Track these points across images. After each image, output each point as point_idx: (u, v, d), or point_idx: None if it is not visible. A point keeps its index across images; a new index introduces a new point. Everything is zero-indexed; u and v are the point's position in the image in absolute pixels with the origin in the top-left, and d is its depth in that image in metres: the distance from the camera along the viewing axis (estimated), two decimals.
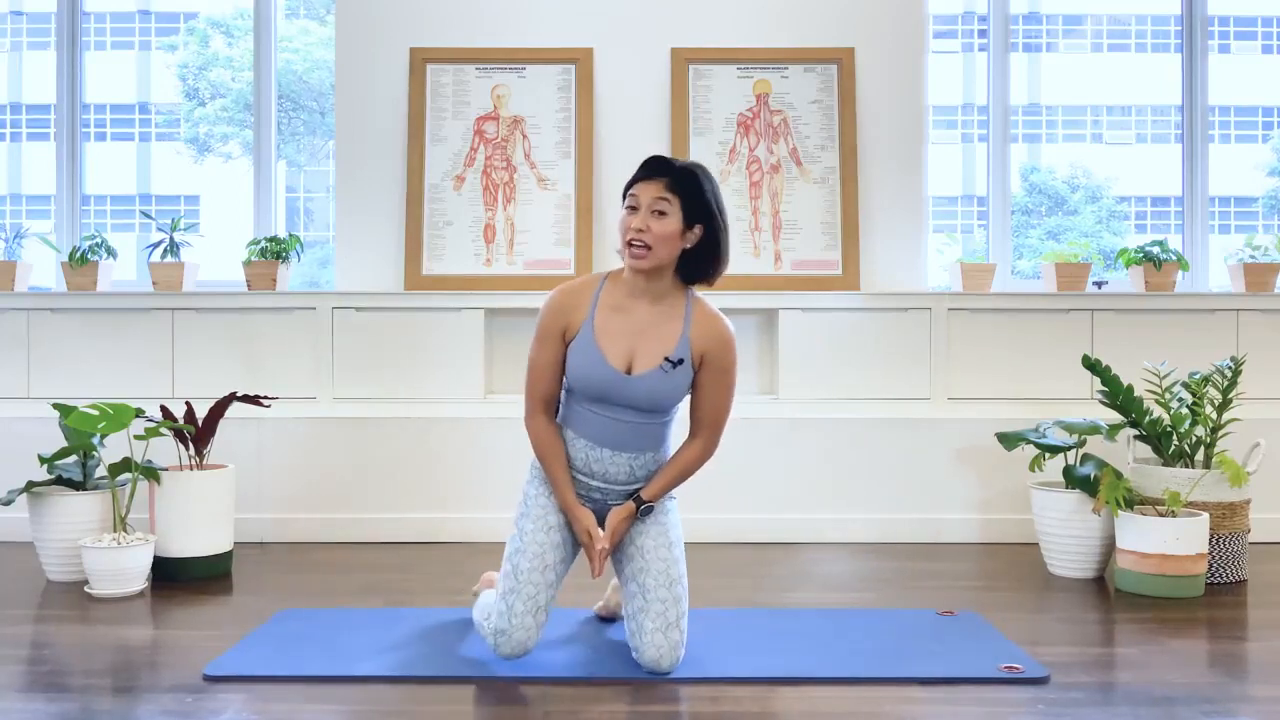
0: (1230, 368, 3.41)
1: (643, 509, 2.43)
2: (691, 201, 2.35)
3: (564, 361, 2.43)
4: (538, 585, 2.37)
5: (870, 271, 4.20)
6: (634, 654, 2.39)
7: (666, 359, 2.37)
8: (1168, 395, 3.41)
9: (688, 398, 2.48)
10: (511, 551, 2.42)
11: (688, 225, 2.36)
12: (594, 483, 2.46)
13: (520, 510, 2.48)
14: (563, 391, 2.49)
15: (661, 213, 2.33)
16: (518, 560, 2.39)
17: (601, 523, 2.46)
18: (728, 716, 2.18)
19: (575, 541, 2.47)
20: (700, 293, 2.52)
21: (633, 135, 4.22)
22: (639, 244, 2.33)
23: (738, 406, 3.95)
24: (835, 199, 4.17)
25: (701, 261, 2.43)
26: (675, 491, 2.55)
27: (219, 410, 3.43)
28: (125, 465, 3.29)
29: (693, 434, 2.48)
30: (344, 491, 3.90)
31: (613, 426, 2.41)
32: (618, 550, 2.46)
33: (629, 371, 2.38)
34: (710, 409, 2.45)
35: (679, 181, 2.35)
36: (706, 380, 2.43)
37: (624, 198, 2.38)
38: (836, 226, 4.16)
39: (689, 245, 2.39)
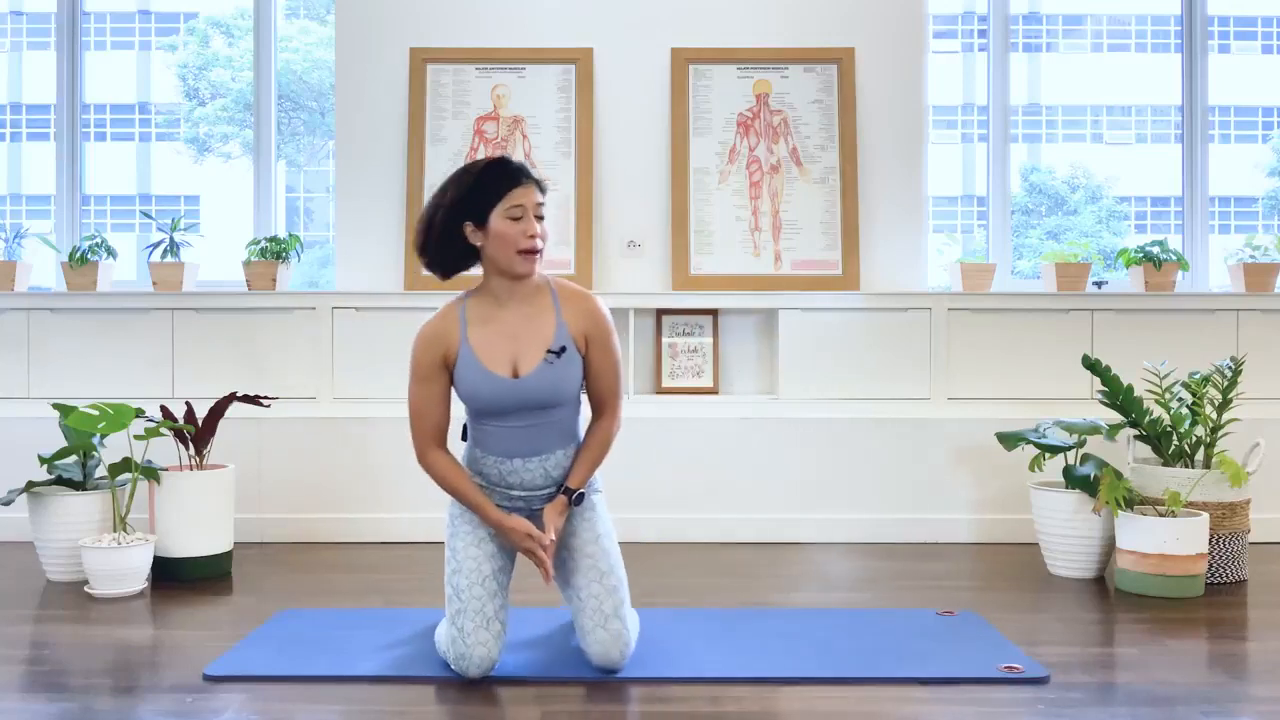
0: (1230, 368, 3.41)
1: (575, 498, 2.43)
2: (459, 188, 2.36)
3: (448, 393, 2.44)
4: (481, 599, 2.35)
5: (870, 271, 4.20)
6: (587, 659, 2.39)
7: (549, 351, 2.38)
8: (1168, 395, 3.41)
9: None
10: (450, 574, 2.41)
11: (473, 224, 2.37)
12: (513, 492, 2.47)
13: (449, 533, 2.48)
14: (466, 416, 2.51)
15: (542, 217, 2.36)
16: (456, 580, 2.39)
17: (539, 527, 2.46)
18: (728, 717, 2.18)
19: (509, 550, 2.48)
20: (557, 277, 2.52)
21: (633, 135, 4.22)
22: (535, 250, 2.34)
23: (738, 406, 3.99)
24: (835, 199, 4.17)
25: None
26: (603, 484, 2.58)
27: (219, 410, 3.43)
28: (125, 465, 3.29)
29: (596, 414, 2.49)
30: (344, 491, 3.90)
31: (517, 435, 2.42)
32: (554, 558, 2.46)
33: (516, 375, 2.39)
34: (604, 383, 2.46)
35: (539, 183, 2.39)
36: (594, 357, 2.44)
37: (489, 203, 2.32)
38: (836, 226, 4.16)
39: (494, 235, 2.38)
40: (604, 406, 2.48)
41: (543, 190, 2.39)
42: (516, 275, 2.38)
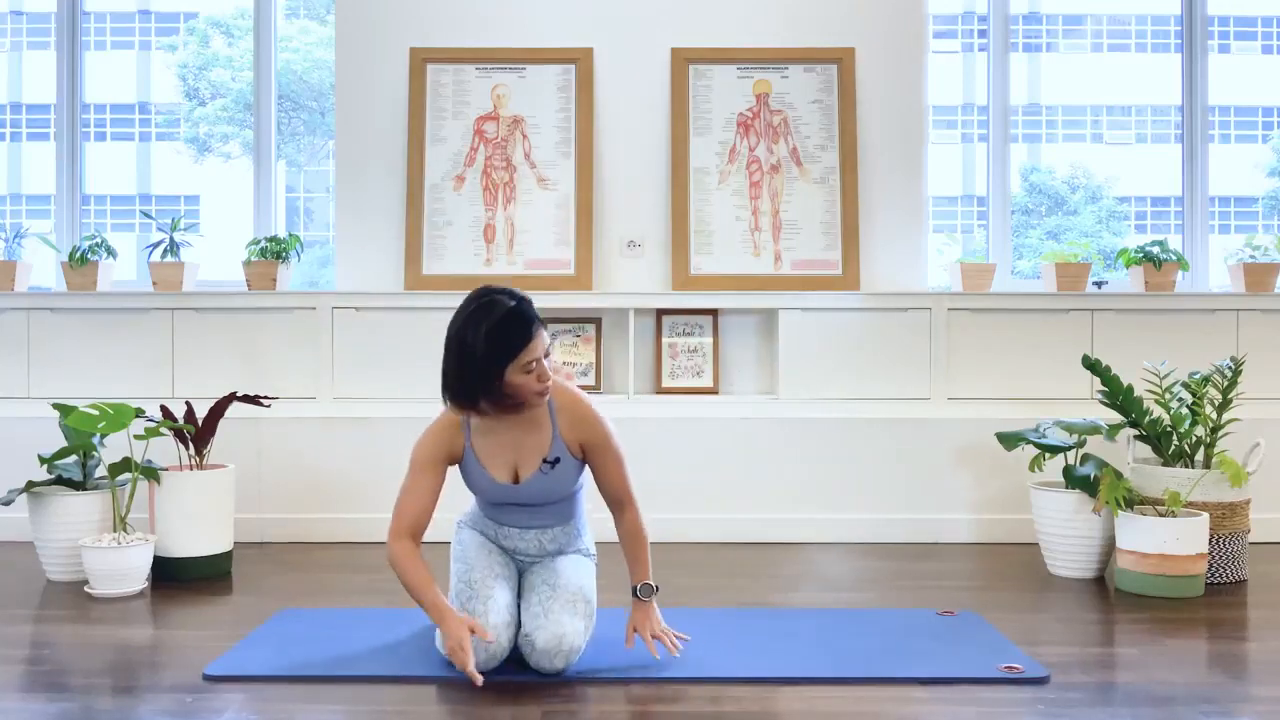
0: (1230, 368, 3.41)
1: (642, 590, 2.47)
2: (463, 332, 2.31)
3: (438, 490, 2.46)
4: (492, 589, 2.41)
5: (870, 271, 4.20)
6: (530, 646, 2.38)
7: (544, 460, 2.44)
8: (1168, 395, 3.41)
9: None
10: (462, 571, 2.47)
11: (555, 376, 2.41)
12: (505, 546, 2.57)
13: (456, 542, 2.58)
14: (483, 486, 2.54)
15: (548, 354, 2.34)
16: (471, 576, 2.44)
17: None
18: (728, 716, 2.18)
19: (517, 566, 2.56)
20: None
21: (633, 135, 4.22)
22: (546, 391, 2.35)
23: (739, 406, 3.99)
24: (835, 199, 4.17)
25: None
26: (594, 549, 2.66)
27: (219, 410, 3.43)
28: (125, 465, 3.29)
29: (617, 512, 2.50)
30: (344, 491, 3.90)
31: (517, 514, 2.54)
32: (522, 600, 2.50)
33: (516, 481, 2.47)
34: (613, 484, 2.48)
35: (544, 325, 2.34)
36: (596, 461, 2.47)
37: (506, 360, 2.25)
38: (836, 226, 4.16)
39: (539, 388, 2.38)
40: (621, 504, 2.49)
41: (545, 328, 2.35)
42: (532, 406, 2.38)
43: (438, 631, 2.51)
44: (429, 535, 3.50)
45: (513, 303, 2.28)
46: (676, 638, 2.45)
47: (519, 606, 2.46)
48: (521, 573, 2.58)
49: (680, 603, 3.02)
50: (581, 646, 2.40)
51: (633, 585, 2.48)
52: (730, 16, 4.25)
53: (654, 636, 2.43)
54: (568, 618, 2.37)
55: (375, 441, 3.91)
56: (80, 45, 4.51)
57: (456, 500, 2.70)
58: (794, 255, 4.15)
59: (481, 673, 2.30)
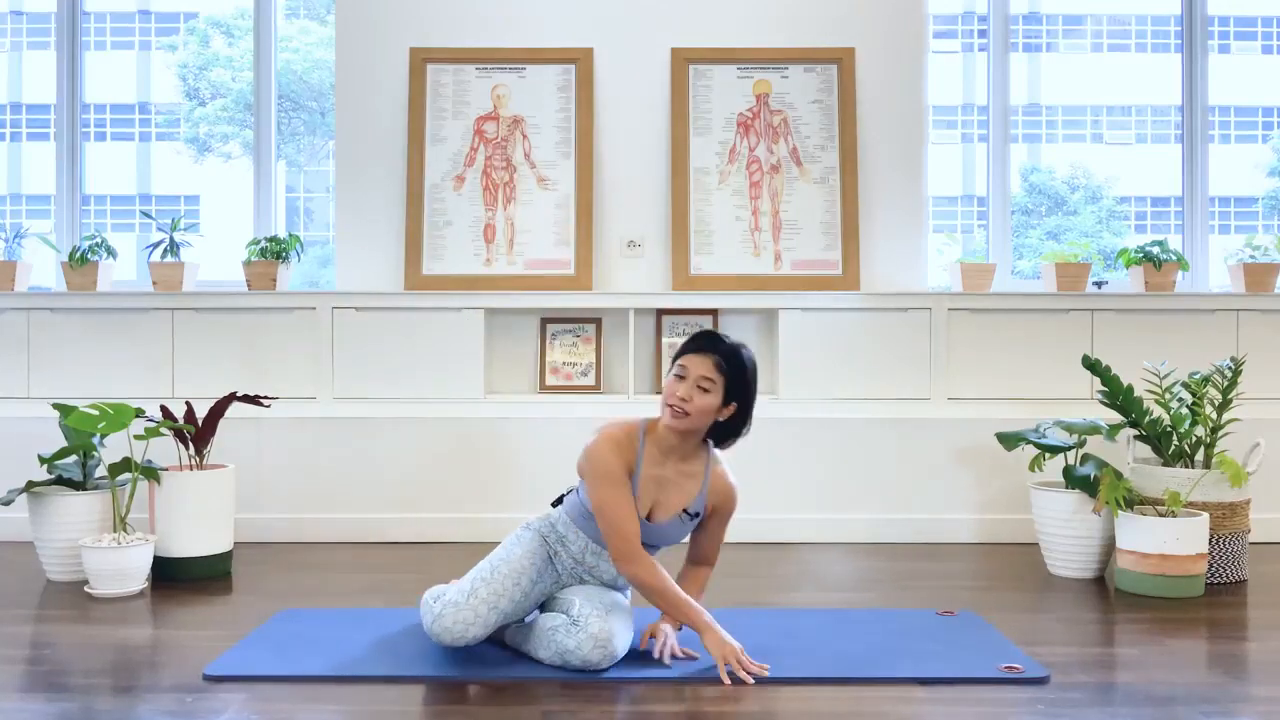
0: (1230, 368, 3.41)
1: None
2: (734, 383, 2.50)
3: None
4: (506, 591, 2.46)
5: (870, 271, 4.20)
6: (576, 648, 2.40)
7: (685, 510, 2.55)
8: (1168, 395, 3.41)
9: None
10: (498, 562, 2.52)
11: (725, 403, 2.51)
12: (579, 568, 2.59)
13: (510, 543, 2.58)
14: (574, 503, 2.59)
15: (705, 389, 2.48)
16: (500, 568, 2.50)
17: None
18: (728, 716, 2.18)
19: (547, 589, 2.58)
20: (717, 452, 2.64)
21: (633, 135, 4.22)
22: (680, 410, 2.48)
23: None
24: (835, 199, 4.17)
25: (727, 429, 2.58)
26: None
27: (219, 410, 3.43)
28: (125, 465, 3.29)
29: (700, 562, 2.67)
30: (344, 491, 3.90)
31: None
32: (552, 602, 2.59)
33: (649, 519, 2.53)
34: (713, 544, 2.66)
35: (726, 362, 2.49)
36: (713, 525, 2.64)
37: (673, 363, 2.53)
38: (836, 226, 4.16)
39: (722, 419, 2.54)
40: (708, 560, 2.68)
41: (724, 369, 2.48)
42: (665, 422, 2.50)
43: (431, 593, 2.56)
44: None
45: (712, 329, 2.60)
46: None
47: (514, 625, 2.54)
48: (565, 585, 2.61)
49: None
50: (619, 656, 2.42)
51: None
52: (730, 16, 4.25)
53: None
54: (621, 626, 2.44)
55: (375, 441, 3.91)
56: (80, 45, 4.51)
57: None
58: (794, 255, 4.15)
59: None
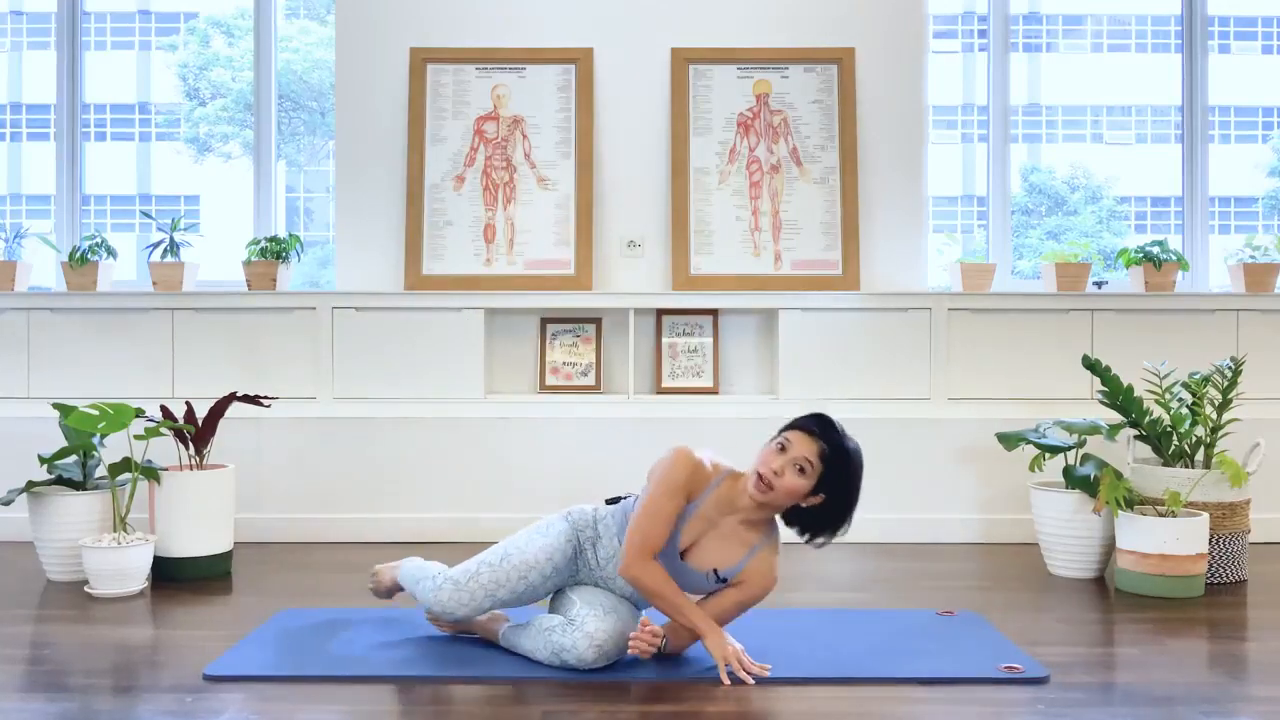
0: (1230, 368, 3.41)
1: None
2: (831, 476, 2.40)
3: (676, 517, 2.46)
4: (508, 578, 2.47)
5: (870, 271, 4.20)
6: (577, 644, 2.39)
7: (716, 570, 2.46)
8: (1168, 395, 3.41)
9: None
10: (515, 549, 2.51)
11: (815, 491, 2.42)
12: (599, 572, 2.55)
13: (538, 530, 2.56)
14: (622, 511, 2.55)
15: (801, 470, 2.38)
16: (515, 556, 2.49)
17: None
18: (728, 716, 2.18)
19: (559, 581, 2.55)
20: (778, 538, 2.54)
21: (633, 135, 4.22)
22: (766, 484, 2.39)
23: (738, 406, 3.99)
24: (835, 199, 4.17)
25: (809, 518, 2.47)
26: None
27: (219, 410, 3.43)
28: (125, 465, 3.29)
29: (702, 604, 2.51)
30: (344, 491, 3.90)
31: None
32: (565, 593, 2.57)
33: (683, 554, 2.47)
34: (722, 610, 2.48)
35: (833, 453, 2.39)
36: (733, 592, 2.49)
37: (780, 431, 2.44)
38: (836, 226, 4.16)
39: (805, 505, 2.45)
40: (711, 615, 2.47)
41: (826, 458, 2.38)
42: (748, 488, 2.40)
43: (419, 584, 2.58)
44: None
45: (831, 417, 2.45)
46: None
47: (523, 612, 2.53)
48: (579, 583, 2.58)
49: None
50: (615, 657, 2.41)
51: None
52: (730, 16, 4.25)
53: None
54: (619, 629, 2.41)
55: (375, 441, 3.91)
56: (80, 45, 4.51)
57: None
58: (794, 255, 4.15)
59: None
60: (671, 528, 2.44)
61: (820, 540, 2.49)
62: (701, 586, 2.48)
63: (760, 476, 2.39)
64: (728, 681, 2.33)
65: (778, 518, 2.52)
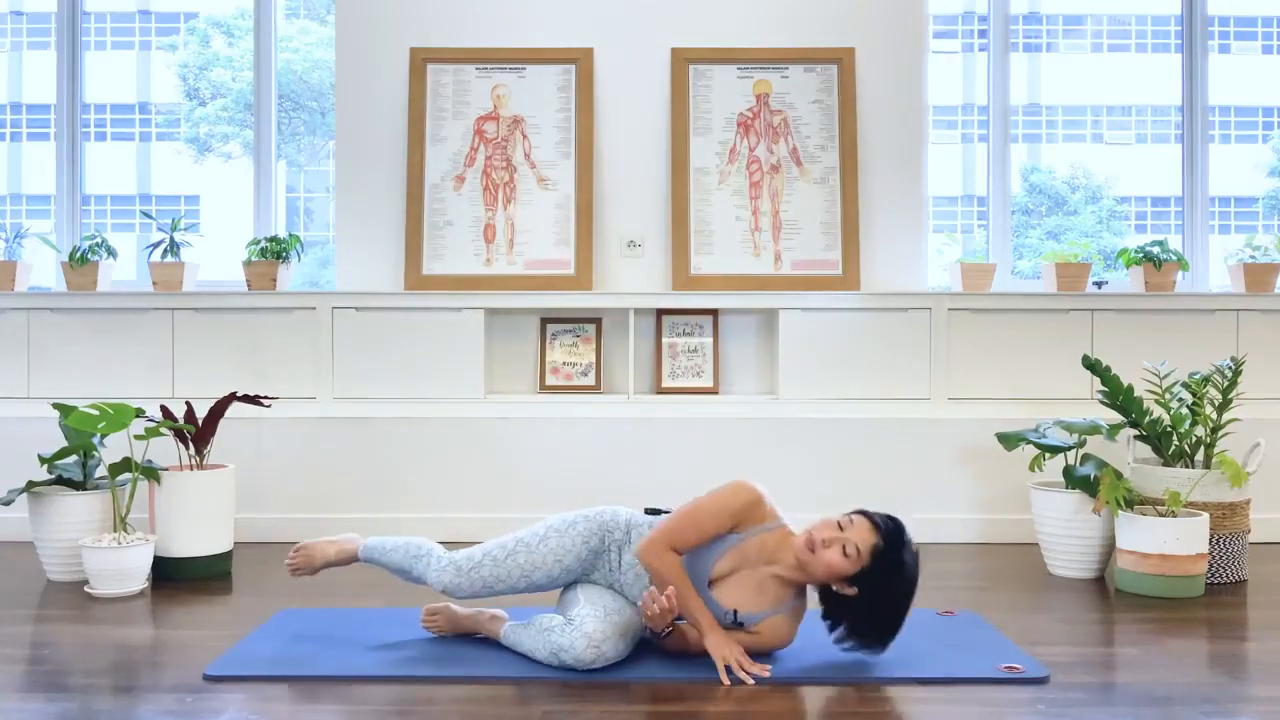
0: (1230, 368, 3.41)
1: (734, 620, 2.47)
2: (873, 575, 2.36)
3: (713, 537, 2.46)
4: (509, 574, 2.51)
5: (870, 271, 4.20)
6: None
7: (735, 613, 2.44)
8: (1168, 395, 3.41)
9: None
10: (535, 538, 2.52)
11: (852, 581, 2.38)
12: (616, 575, 2.55)
13: (568, 520, 2.55)
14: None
15: (846, 554, 2.35)
16: (536, 546, 2.51)
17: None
18: (727, 716, 2.18)
19: (552, 585, 2.57)
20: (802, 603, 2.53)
21: (633, 135, 4.22)
22: (810, 548, 2.37)
23: (738, 406, 3.99)
24: (835, 199, 4.17)
25: (838, 607, 2.44)
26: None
27: (219, 410, 3.43)
28: (125, 465, 3.29)
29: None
30: (344, 491, 3.90)
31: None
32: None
33: (711, 584, 2.46)
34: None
35: (883, 554, 2.36)
36: (744, 635, 2.46)
37: (847, 514, 2.43)
38: (836, 226, 4.16)
39: (835, 590, 2.41)
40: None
41: (876, 554, 2.35)
42: (796, 546, 2.39)
43: (416, 560, 2.60)
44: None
45: (904, 526, 2.44)
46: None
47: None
48: (592, 581, 2.59)
49: None
50: (612, 658, 2.41)
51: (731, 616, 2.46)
52: (730, 16, 4.25)
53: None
54: (618, 631, 2.42)
55: (375, 441, 3.91)
56: (80, 45, 4.51)
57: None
58: (794, 255, 4.15)
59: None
60: (702, 541, 2.43)
61: (845, 643, 2.45)
62: (717, 620, 2.46)
63: (810, 537, 2.38)
64: (727, 681, 2.33)
65: (810, 590, 2.50)
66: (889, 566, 2.35)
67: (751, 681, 2.34)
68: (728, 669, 2.35)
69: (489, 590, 2.52)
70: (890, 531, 2.38)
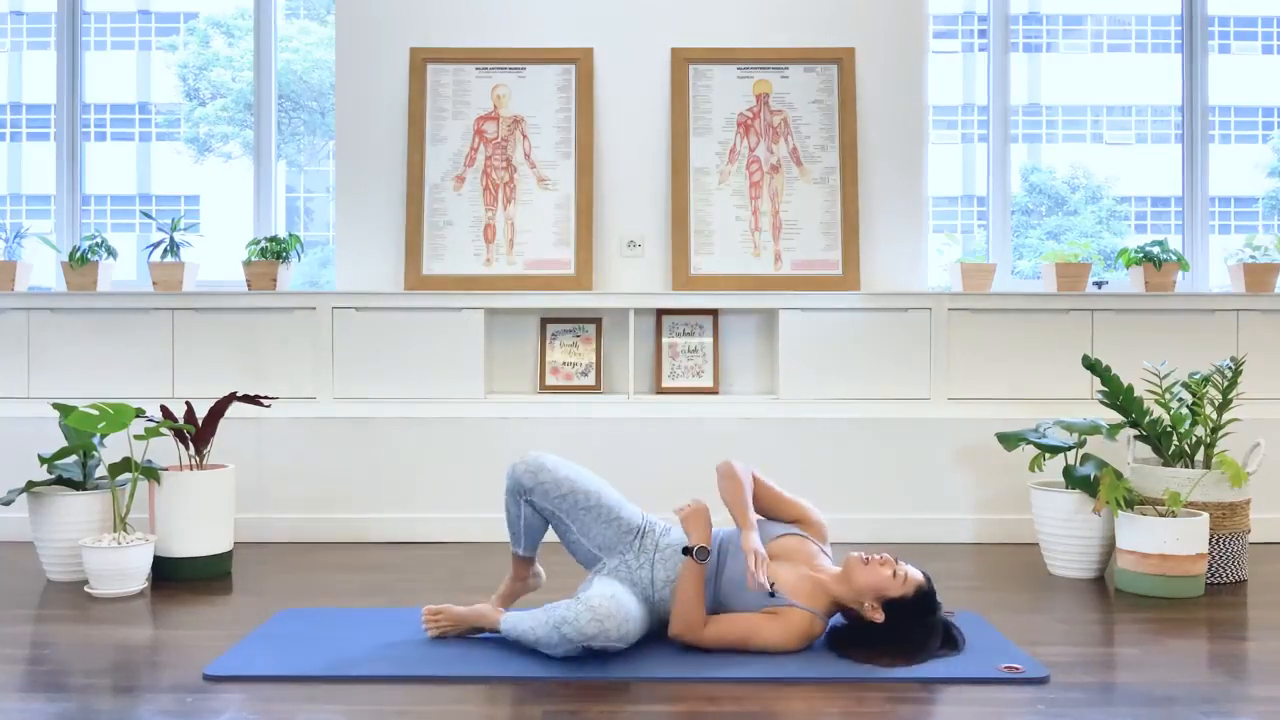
0: (1230, 368, 3.41)
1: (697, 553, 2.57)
2: (905, 609, 2.48)
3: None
4: (584, 513, 2.65)
5: (870, 271, 4.20)
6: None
7: (772, 585, 2.51)
8: (1168, 395, 3.41)
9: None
10: (596, 491, 2.68)
11: (885, 605, 2.48)
12: (637, 574, 2.60)
13: (617, 496, 2.72)
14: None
15: (896, 575, 2.49)
16: (599, 493, 2.68)
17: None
18: (728, 716, 2.18)
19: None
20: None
21: (633, 135, 4.22)
22: (864, 561, 2.51)
23: (738, 406, 3.99)
24: (835, 199, 4.17)
25: (858, 630, 2.54)
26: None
27: (219, 410, 3.43)
28: (125, 465, 3.29)
29: (721, 616, 2.63)
30: (344, 491, 3.90)
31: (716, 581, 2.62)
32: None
33: (772, 590, 2.52)
34: (731, 625, 2.56)
35: (922, 598, 2.49)
36: (761, 619, 2.55)
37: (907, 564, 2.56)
38: (836, 226, 4.16)
39: (865, 613, 2.50)
40: (722, 629, 2.57)
41: (916, 594, 2.49)
42: (852, 559, 2.51)
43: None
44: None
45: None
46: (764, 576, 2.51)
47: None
48: (609, 562, 2.65)
49: None
50: (613, 638, 2.42)
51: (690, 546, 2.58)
52: (730, 16, 4.25)
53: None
54: (623, 612, 2.44)
55: (375, 441, 3.91)
56: (80, 45, 4.51)
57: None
58: (794, 255, 4.15)
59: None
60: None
61: (845, 640, 2.56)
62: (756, 601, 2.54)
63: (865, 554, 2.53)
64: (752, 567, 2.45)
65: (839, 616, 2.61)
66: (922, 608, 2.49)
67: (767, 586, 2.45)
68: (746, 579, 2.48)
69: (570, 484, 2.67)
70: (932, 590, 2.53)
